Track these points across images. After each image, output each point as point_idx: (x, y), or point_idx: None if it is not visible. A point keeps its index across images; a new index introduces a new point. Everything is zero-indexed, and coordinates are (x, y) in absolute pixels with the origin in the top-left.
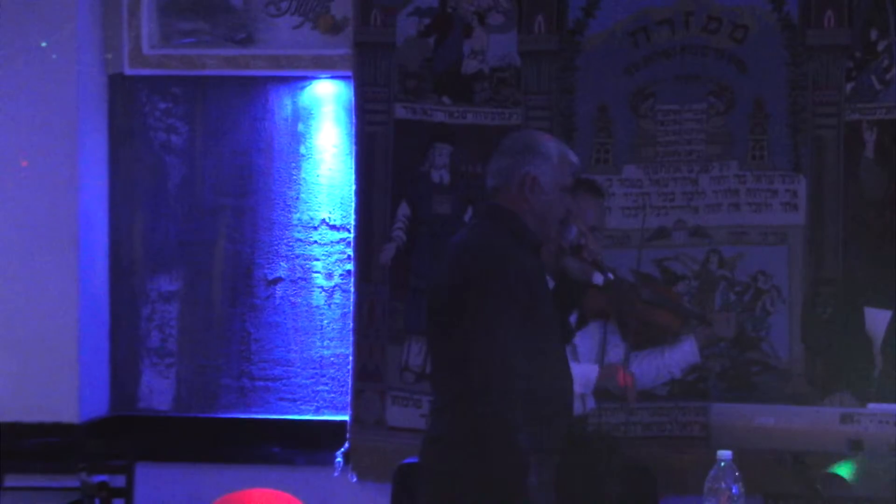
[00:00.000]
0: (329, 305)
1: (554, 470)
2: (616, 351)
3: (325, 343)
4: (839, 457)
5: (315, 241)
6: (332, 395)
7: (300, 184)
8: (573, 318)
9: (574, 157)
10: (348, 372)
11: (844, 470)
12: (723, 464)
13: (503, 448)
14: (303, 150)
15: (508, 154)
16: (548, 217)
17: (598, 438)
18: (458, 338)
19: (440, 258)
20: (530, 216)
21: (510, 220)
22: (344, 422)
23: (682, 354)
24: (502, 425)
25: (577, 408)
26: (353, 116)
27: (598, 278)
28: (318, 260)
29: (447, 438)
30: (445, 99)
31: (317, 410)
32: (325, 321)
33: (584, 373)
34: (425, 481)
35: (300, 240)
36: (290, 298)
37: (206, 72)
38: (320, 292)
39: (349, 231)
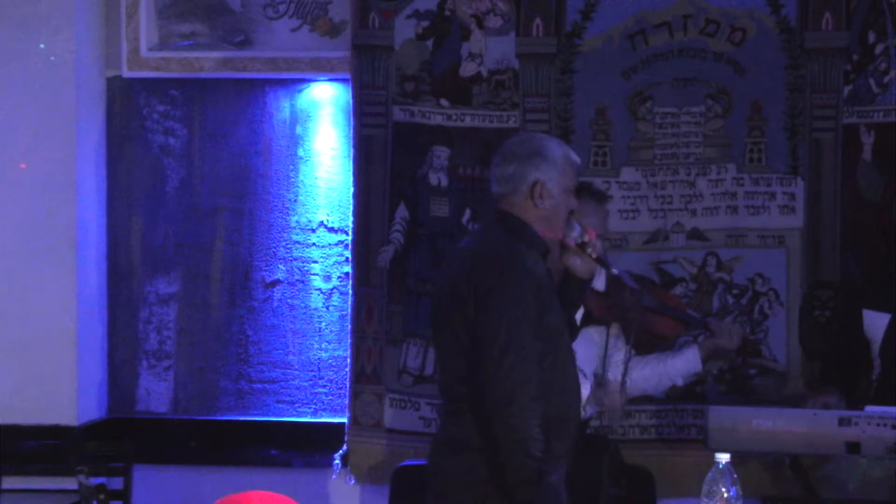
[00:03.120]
0: (327, 308)
1: (564, 474)
2: (618, 355)
3: (323, 345)
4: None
5: (313, 244)
6: (330, 397)
7: (298, 186)
8: (578, 316)
9: (576, 157)
10: (346, 374)
11: None
12: (720, 466)
13: (518, 455)
14: (301, 152)
15: (515, 160)
16: (554, 220)
17: (597, 441)
18: (470, 343)
19: (448, 263)
20: (538, 221)
21: (519, 226)
22: (342, 424)
23: (685, 363)
24: (517, 432)
25: None
26: (351, 119)
27: (601, 278)
28: (316, 262)
29: (460, 442)
30: (443, 101)
31: (315, 413)
32: (323, 323)
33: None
34: (435, 483)
35: (298, 242)
36: (288, 301)
37: (204, 74)
38: (318, 295)
39: (347, 233)
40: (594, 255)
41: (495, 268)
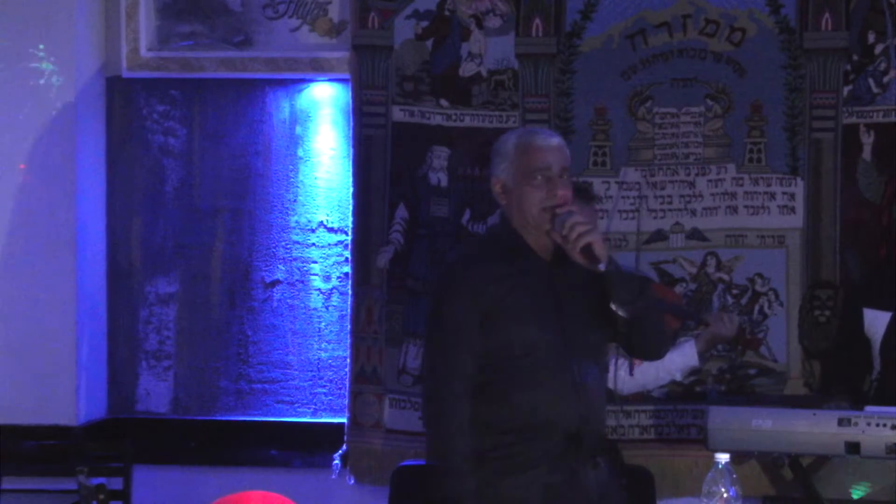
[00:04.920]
0: (327, 308)
1: (542, 486)
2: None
3: (322, 345)
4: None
5: (313, 244)
6: (330, 397)
7: (298, 186)
8: (623, 311)
9: (542, 139)
10: (346, 374)
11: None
12: (720, 466)
13: (439, 458)
14: (300, 152)
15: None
16: (525, 211)
17: None
18: None
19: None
20: (519, 221)
21: (502, 226)
22: (342, 424)
23: (683, 357)
24: (434, 435)
25: None
26: (351, 119)
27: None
28: (315, 262)
29: None
30: (443, 101)
31: (314, 413)
32: (323, 324)
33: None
34: None
35: (298, 242)
36: (288, 301)
37: (204, 74)
38: (318, 295)
39: (347, 234)
40: (577, 248)
41: (438, 275)
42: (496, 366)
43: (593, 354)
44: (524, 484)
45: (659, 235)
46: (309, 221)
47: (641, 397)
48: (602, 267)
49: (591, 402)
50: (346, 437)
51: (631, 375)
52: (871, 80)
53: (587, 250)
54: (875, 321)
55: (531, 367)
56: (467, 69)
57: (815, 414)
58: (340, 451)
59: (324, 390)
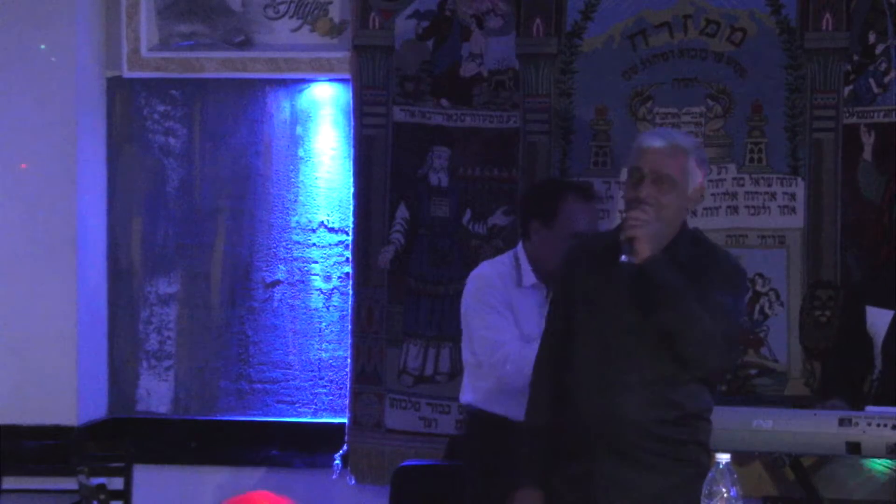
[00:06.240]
0: (327, 308)
1: (564, 477)
2: None
3: (323, 346)
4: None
5: (313, 244)
6: (331, 397)
7: (298, 186)
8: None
9: (646, 141)
10: (347, 374)
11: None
12: (720, 466)
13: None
14: (301, 152)
15: None
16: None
17: None
18: None
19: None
20: None
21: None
22: (342, 424)
23: None
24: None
25: None
26: (352, 119)
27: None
28: (316, 262)
29: None
30: (444, 102)
31: (315, 413)
32: (324, 324)
33: None
34: None
35: (298, 242)
36: (289, 301)
37: (205, 74)
38: (319, 295)
39: (347, 234)
40: (623, 238)
41: None
42: (569, 359)
43: (640, 354)
44: (555, 472)
45: None
46: (310, 221)
47: None
48: (623, 258)
49: (623, 401)
50: (346, 438)
51: None
52: (871, 81)
53: (629, 243)
54: (877, 319)
55: (572, 359)
56: (468, 69)
57: (815, 414)
58: (341, 452)
59: (324, 390)
